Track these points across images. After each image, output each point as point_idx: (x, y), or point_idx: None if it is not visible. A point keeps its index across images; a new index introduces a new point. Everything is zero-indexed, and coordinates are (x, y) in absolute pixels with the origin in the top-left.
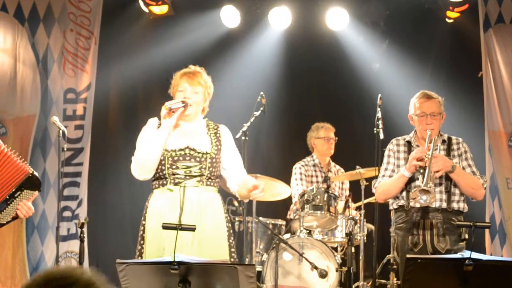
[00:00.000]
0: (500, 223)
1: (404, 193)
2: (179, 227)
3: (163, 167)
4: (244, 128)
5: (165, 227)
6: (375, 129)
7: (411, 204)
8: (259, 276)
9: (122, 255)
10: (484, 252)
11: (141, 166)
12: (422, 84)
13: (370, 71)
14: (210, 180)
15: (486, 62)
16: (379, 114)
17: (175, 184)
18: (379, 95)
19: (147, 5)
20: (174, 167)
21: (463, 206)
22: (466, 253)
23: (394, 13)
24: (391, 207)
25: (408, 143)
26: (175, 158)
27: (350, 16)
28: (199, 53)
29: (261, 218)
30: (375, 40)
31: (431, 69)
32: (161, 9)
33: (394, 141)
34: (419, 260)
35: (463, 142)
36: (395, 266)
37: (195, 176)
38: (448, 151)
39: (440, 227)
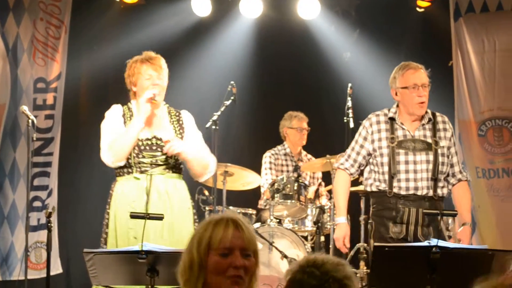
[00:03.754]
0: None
1: (386, 176)
2: (147, 216)
3: (129, 156)
4: (215, 117)
5: (133, 216)
6: (345, 118)
7: (395, 190)
8: None
9: (93, 244)
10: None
11: (116, 152)
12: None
13: (341, 60)
14: (175, 168)
15: (456, 51)
16: (349, 103)
17: (141, 172)
18: (349, 84)
19: None
20: (140, 156)
21: (446, 192)
22: (433, 241)
23: (365, 2)
24: (369, 189)
25: (391, 120)
26: (141, 148)
27: (321, 5)
28: (170, 42)
29: (231, 207)
30: (346, 29)
31: (401, 58)
32: None
33: (373, 117)
34: (386, 249)
35: (449, 122)
36: (365, 255)
37: (161, 165)
38: (434, 132)
39: (425, 216)
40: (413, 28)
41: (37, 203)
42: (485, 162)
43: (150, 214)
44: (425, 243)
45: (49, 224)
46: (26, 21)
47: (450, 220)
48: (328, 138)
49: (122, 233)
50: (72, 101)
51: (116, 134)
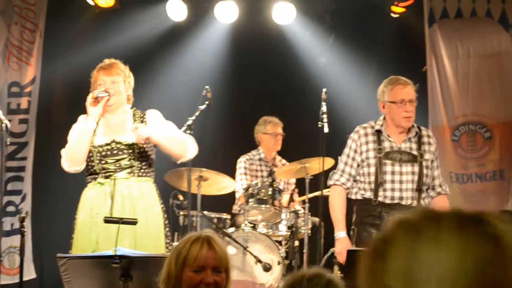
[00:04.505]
0: None
1: (372, 185)
2: (120, 221)
3: (93, 163)
4: (189, 122)
5: (107, 221)
6: (319, 123)
7: (380, 199)
8: None
9: (67, 249)
10: None
11: (70, 157)
12: (367, 78)
13: (316, 65)
14: (142, 170)
15: (430, 57)
16: (323, 108)
17: (106, 177)
18: (324, 89)
19: None
20: (103, 162)
21: (427, 202)
22: None
23: (340, 7)
24: (353, 197)
25: (378, 132)
26: (103, 154)
27: (297, 11)
28: (145, 46)
29: (205, 212)
30: (321, 34)
31: (376, 64)
32: (107, 2)
33: (360, 130)
34: (360, 253)
35: (433, 137)
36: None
37: (125, 168)
38: (419, 145)
39: None
40: (388, 34)
41: (10, 208)
42: (459, 167)
43: (124, 219)
44: None
45: (22, 229)
46: (1, 25)
47: None
48: (303, 143)
49: (84, 238)
50: (47, 106)
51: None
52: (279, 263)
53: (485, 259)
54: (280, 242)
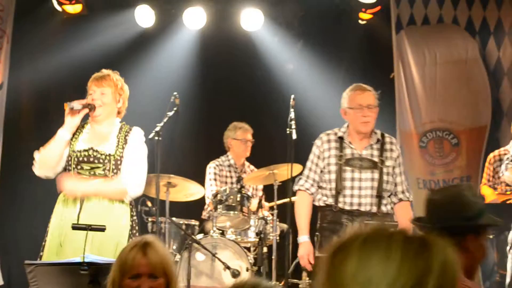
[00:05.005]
0: None
1: (333, 192)
2: (88, 228)
3: (70, 167)
4: (157, 128)
5: (75, 227)
6: (287, 129)
7: (340, 205)
8: None
9: (36, 256)
10: None
11: (42, 163)
12: (335, 84)
13: (284, 72)
14: (114, 181)
15: (398, 63)
16: (292, 115)
17: None
18: (292, 96)
19: (60, 4)
20: (79, 167)
21: (390, 208)
22: None
23: (308, 14)
24: (316, 203)
25: (340, 139)
26: (80, 159)
27: (265, 17)
28: (113, 52)
29: (174, 219)
30: (290, 40)
31: (344, 70)
32: (74, 8)
33: (324, 136)
34: (319, 259)
35: (396, 144)
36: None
37: (99, 177)
38: (381, 151)
39: None
40: (356, 40)
41: None
42: (426, 173)
43: (92, 225)
44: None
45: None
46: None
47: None
48: (271, 150)
49: (53, 241)
50: (14, 112)
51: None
52: (247, 270)
53: (418, 273)
54: (248, 249)
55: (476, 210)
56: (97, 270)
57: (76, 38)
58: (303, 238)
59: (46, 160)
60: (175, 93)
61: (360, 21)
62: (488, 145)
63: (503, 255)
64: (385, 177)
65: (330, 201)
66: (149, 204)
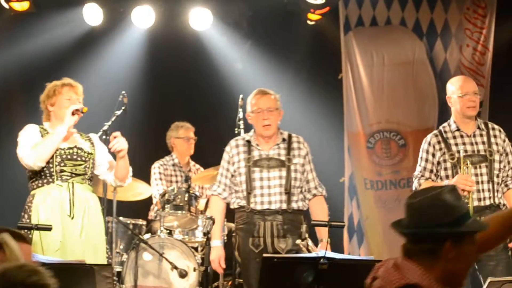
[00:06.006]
0: (358, 222)
1: (245, 193)
2: (35, 227)
3: (51, 165)
4: (105, 127)
5: (20, 227)
6: (236, 129)
7: (252, 206)
8: (119, 277)
9: None
10: (342, 251)
11: (41, 154)
12: (283, 84)
13: (233, 71)
14: (89, 180)
15: (346, 64)
16: (240, 114)
17: (62, 181)
18: (241, 95)
19: (7, 1)
20: (62, 164)
21: (302, 205)
22: (321, 252)
23: (257, 14)
24: (232, 206)
25: (248, 143)
26: (64, 156)
27: (214, 16)
28: (61, 51)
29: (121, 218)
30: (238, 40)
31: (292, 70)
32: (22, 6)
33: (233, 142)
34: (275, 260)
35: (304, 142)
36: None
37: (79, 175)
38: (288, 150)
39: (281, 228)
40: (304, 41)
41: None
42: (373, 174)
43: (39, 225)
44: (313, 254)
45: None
46: None
47: (306, 234)
48: (219, 149)
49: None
50: None
51: (40, 140)
52: (195, 270)
53: None
54: (196, 249)
55: (456, 215)
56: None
57: (24, 35)
58: (215, 242)
59: (44, 153)
60: (123, 92)
61: (308, 22)
62: None
63: None
64: (293, 174)
65: (243, 202)
66: None
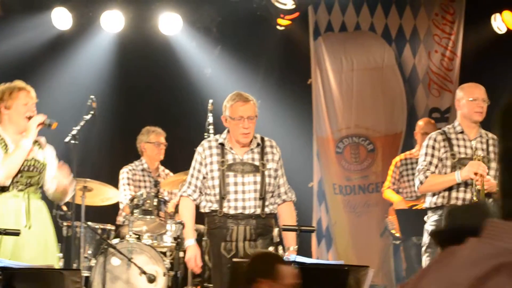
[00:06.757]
0: (326, 227)
1: (218, 197)
2: (3, 232)
3: None
4: (74, 132)
5: None
6: (205, 134)
7: (225, 210)
8: (87, 282)
9: None
10: (310, 256)
11: (10, 171)
12: (253, 89)
13: (203, 76)
14: (41, 188)
15: (315, 69)
16: (210, 119)
17: (19, 190)
18: (211, 100)
19: None
20: (19, 175)
21: (273, 208)
22: (291, 257)
23: (226, 19)
24: (202, 210)
25: (221, 145)
26: (21, 168)
27: (183, 21)
28: (30, 55)
29: (90, 223)
30: (208, 45)
31: (262, 75)
32: None
33: (205, 143)
34: (245, 264)
35: (277, 146)
36: None
37: (33, 185)
38: (261, 155)
39: (253, 233)
40: (274, 46)
41: None
42: (342, 179)
43: (7, 229)
44: (284, 259)
45: None
46: None
47: (278, 238)
48: (189, 154)
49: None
50: None
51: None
52: (164, 274)
53: None
54: (165, 253)
55: None
56: (11, 275)
57: None
58: (190, 241)
59: (13, 170)
60: (92, 96)
61: (278, 27)
62: (403, 151)
63: (411, 262)
64: (267, 180)
65: (215, 206)
66: (64, 208)
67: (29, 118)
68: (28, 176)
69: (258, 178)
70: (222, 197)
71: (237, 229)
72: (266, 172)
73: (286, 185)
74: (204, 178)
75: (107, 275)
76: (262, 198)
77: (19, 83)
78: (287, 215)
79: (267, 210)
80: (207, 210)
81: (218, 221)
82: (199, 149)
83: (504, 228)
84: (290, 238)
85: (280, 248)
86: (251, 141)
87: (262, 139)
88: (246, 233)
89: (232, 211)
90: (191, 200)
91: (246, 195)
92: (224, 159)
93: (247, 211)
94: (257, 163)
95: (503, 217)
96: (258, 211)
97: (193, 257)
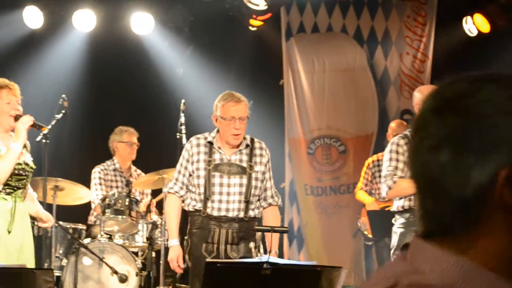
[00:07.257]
0: (298, 228)
1: (202, 197)
2: None
3: None
4: (45, 131)
5: None
6: (178, 134)
7: (208, 211)
8: (58, 281)
9: None
10: (282, 256)
11: (4, 177)
12: (225, 89)
13: (174, 76)
14: (25, 191)
15: (287, 70)
16: (182, 119)
17: (7, 194)
18: (183, 100)
19: None
20: (9, 179)
21: (257, 212)
22: (264, 258)
23: (198, 19)
24: (186, 208)
25: (210, 144)
26: (12, 172)
27: (155, 21)
28: (0, 53)
29: (61, 222)
30: (180, 45)
31: (234, 76)
32: None
33: (194, 140)
34: (218, 265)
35: (266, 148)
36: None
37: (20, 188)
38: (250, 156)
39: (236, 236)
40: (246, 46)
41: None
42: (314, 180)
43: None
44: (256, 259)
45: None
46: None
47: (260, 241)
48: (161, 154)
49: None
50: None
51: None
52: (137, 274)
53: None
54: (136, 253)
55: None
56: None
57: None
58: (173, 242)
59: (5, 173)
60: (63, 95)
61: (250, 28)
62: (375, 153)
63: (383, 262)
64: (253, 182)
65: (199, 206)
66: None
67: (15, 117)
68: (17, 180)
69: (245, 180)
70: (207, 198)
71: (219, 231)
72: (253, 175)
73: (273, 188)
74: (190, 175)
75: (78, 275)
76: (247, 201)
77: (0, 81)
78: (272, 219)
79: (251, 213)
80: (190, 208)
81: (200, 221)
82: (187, 145)
83: (419, 249)
84: (274, 241)
85: (261, 251)
86: (240, 142)
87: (252, 140)
88: (228, 237)
89: (215, 213)
90: (177, 197)
91: (231, 197)
92: (211, 158)
93: (230, 214)
94: (244, 164)
95: (424, 236)
96: (242, 214)
97: (175, 257)
